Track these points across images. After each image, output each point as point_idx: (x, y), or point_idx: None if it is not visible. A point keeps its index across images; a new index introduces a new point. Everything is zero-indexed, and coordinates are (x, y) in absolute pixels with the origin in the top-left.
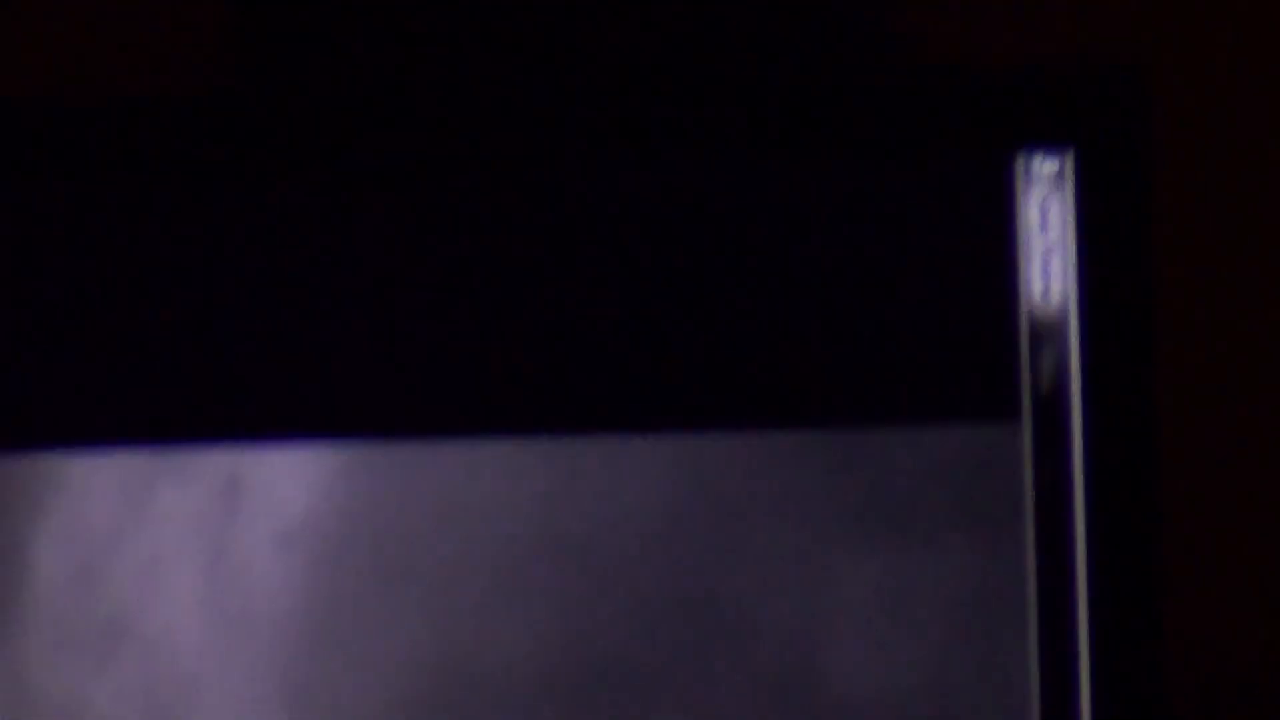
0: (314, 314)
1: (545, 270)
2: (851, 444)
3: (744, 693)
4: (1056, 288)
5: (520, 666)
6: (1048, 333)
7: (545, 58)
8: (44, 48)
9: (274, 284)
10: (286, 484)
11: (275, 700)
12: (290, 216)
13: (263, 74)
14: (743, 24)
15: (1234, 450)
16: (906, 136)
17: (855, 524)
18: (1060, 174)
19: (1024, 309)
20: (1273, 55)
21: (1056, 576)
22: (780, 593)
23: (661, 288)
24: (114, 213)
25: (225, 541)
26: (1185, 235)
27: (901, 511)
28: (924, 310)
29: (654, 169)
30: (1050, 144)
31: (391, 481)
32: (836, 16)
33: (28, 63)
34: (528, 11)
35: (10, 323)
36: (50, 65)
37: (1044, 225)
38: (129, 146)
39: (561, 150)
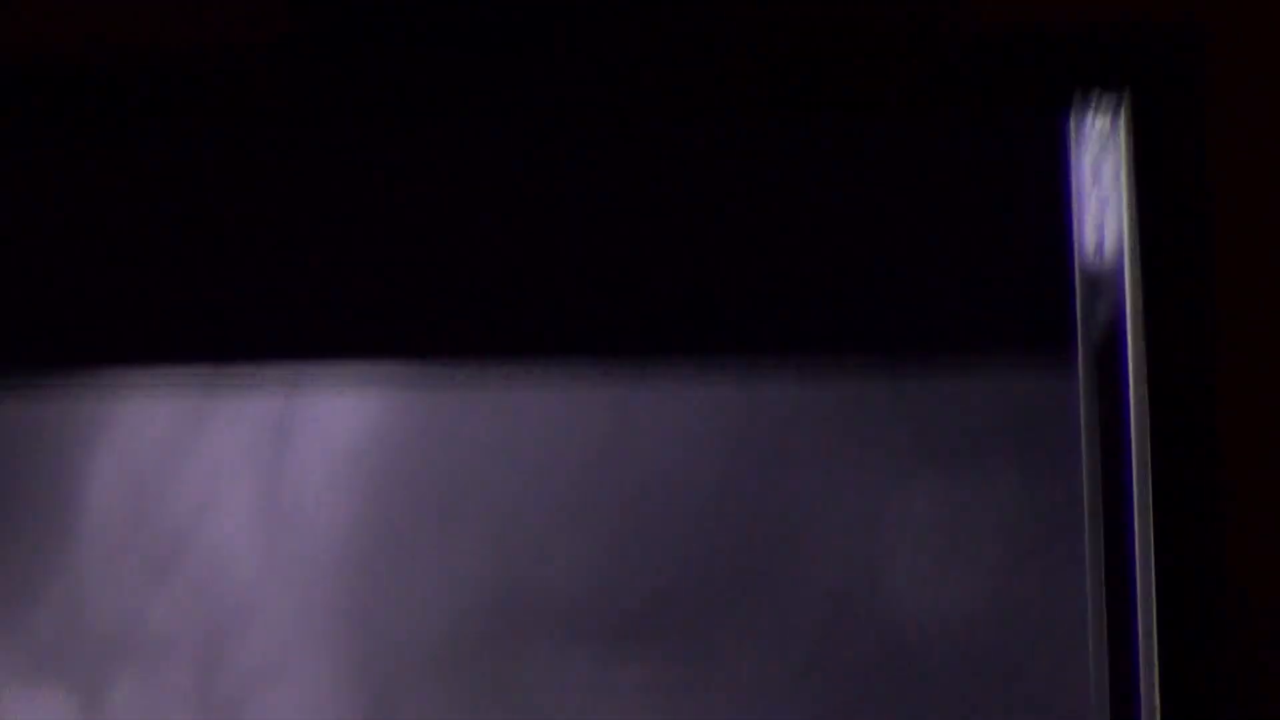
0: (371, 242)
1: (617, 203)
2: (913, 382)
3: (803, 624)
4: (1112, 236)
5: (577, 602)
6: (1102, 278)
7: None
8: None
9: (336, 216)
10: (338, 419)
11: (327, 634)
12: (346, 150)
13: (319, 22)
14: None
15: None
16: (963, 93)
17: (915, 456)
18: (1115, 126)
19: (1079, 256)
20: None
21: (1113, 512)
22: (840, 523)
23: (737, 231)
24: (173, 150)
25: (278, 475)
26: (1240, 183)
27: (961, 445)
28: (984, 255)
29: (731, 126)
30: (1104, 98)
31: (446, 417)
32: None
33: (75, 15)
34: None
35: (71, 245)
36: (103, 18)
37: (1099, 176)
38: (186, 96)
39: (622, 103)
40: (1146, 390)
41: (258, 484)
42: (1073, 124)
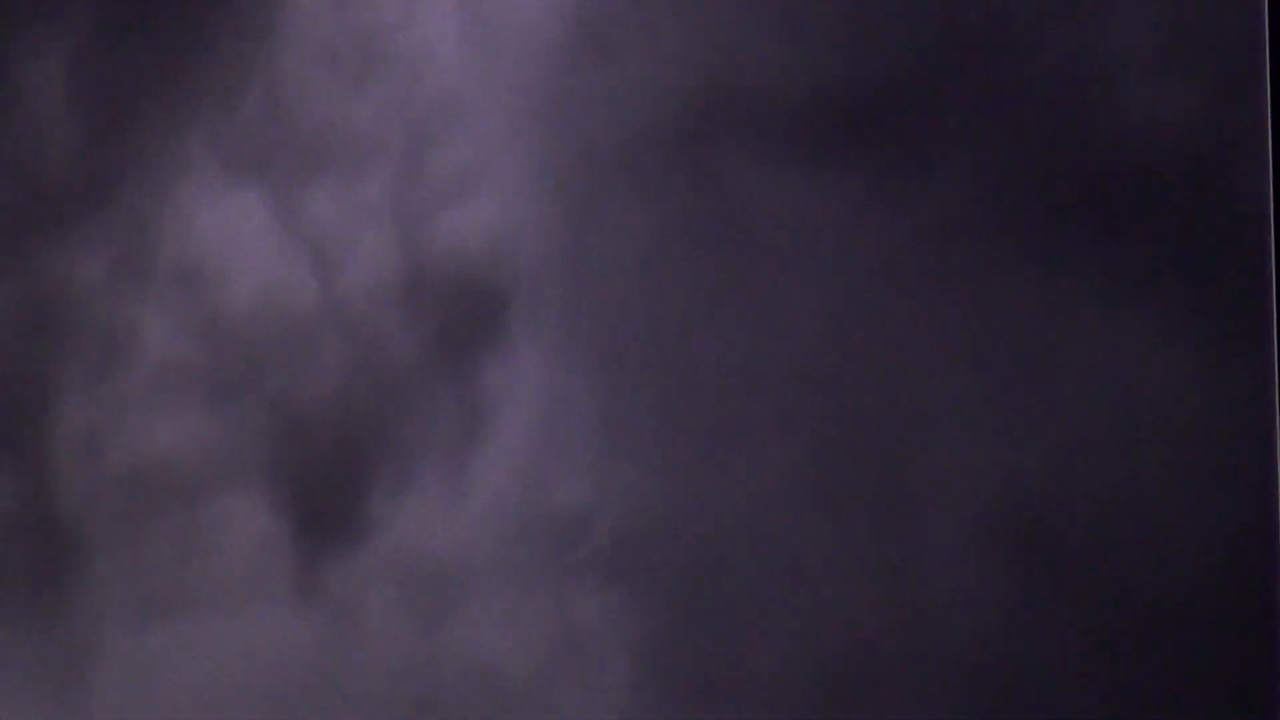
0: None
1: None
2: None
3: (1021, 136)
4: None
5: (786, 101)
6: None
7: None
8: None
9: None
10: None
11: (527, 136)
12: None
13: None
14: None
15: None
16: None
17: None
18: None
19: None
20: None
21: None
22: (1064, 31)
23: None
24: None
25: None
26: None
27: None
28: None
29: None
30: None
31: None
32: None
33: None
34: None
35: None
36: None
37: None
38: None
39: None
40: None
41: None
42: None
